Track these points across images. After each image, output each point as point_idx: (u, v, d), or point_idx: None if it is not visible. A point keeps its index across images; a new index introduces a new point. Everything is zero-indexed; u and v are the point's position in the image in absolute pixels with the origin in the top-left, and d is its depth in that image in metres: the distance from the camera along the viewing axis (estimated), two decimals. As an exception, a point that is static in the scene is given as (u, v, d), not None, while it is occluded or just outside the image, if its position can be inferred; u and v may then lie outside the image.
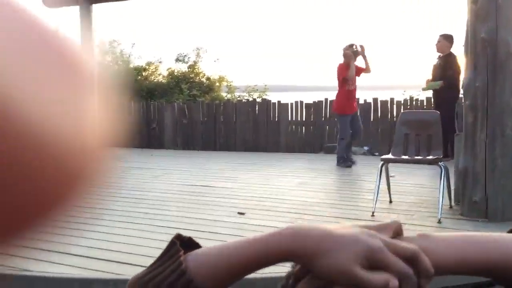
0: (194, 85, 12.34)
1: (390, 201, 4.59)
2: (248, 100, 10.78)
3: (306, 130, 9.08)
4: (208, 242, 2.59)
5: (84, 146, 0.27)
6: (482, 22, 3.84)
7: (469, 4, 3.93)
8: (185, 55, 13.34)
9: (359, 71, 6.77)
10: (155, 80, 13.03)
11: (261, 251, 0.52)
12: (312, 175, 6.23)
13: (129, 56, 13.52)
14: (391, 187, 4.64)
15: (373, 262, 0.48)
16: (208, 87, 12.65)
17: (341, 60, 6.67)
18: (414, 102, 8.40)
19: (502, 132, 3.83)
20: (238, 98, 11.81)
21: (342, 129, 6.73)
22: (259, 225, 3.92)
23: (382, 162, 4.40)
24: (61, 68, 0.27)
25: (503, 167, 3.85)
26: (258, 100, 10.15)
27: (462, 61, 5.00)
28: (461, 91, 5.67)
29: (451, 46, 6.99)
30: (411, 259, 0.50)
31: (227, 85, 12.90)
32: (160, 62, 13.45)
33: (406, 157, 4.49)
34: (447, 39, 7.00)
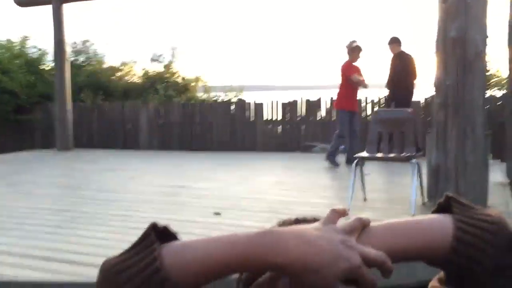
0: (170, 86, 12.24)
1: (365, 199, 4.64)
2: (224, 100, 10.75)
3: (282, 130, 9.11)
4: (180, 243, 2.49)
5: None
6: (452, 21, 3.91)
7: (440, 3, 4.00)
8: (160, 55, 13.23)
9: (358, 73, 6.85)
10: (130, 81, 12.88)
11: (240, 256, 0.52)
12: (288, 174, 6.25)
13: (103, 56, 13.35)
14: (365, 184, 4.69)
15: (351, 276, 0.53)
16: (184, 87, 12.56)
17: (335, 58, 6.80)
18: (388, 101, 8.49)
19: (472, 129, 3.91)
20: (214, 98, 11.77)
21: (341, 126, 6.72)
22: (234, 224, 3.91)
23: (356, 160, 4.44)
24: None
25: (474, 163, 3.92)
26: (234, 100, 10.13)
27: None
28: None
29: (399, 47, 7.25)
30: (379, 266, 0.54)
31: (203, 85, 12.84)
32: (134, 62, 13.31)
33: (380, 155, 4.54)
34: (395, 42, 7.28)
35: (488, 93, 7.96)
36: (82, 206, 4.71)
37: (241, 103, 9.47)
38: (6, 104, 10.44)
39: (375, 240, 0.55)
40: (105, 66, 12.89)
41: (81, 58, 13.12)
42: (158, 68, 13.05)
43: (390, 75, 7.30)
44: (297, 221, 0.66)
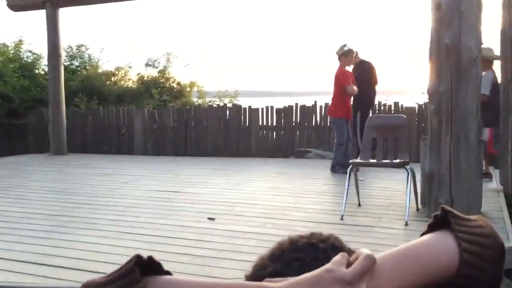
0: (165, 90, 12.24)
1: (359, 205, 4.64)
2: (218, 105, 10.76)
3: (277, 135, 9.12)
4: (176, 248, 2.58)
5: None
6: (445, 28, 3.92)
7: (433, 11, 4.02)
8: (155, 60, 13.25)
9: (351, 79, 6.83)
10: (124, 85, 12.86)
11: None
12: (282, 180, 6.24)
13: (98, 61, 13.34)
14: (360, 190, 4.69)
15: None
16: (179, 92, 12.56)
17: (330, 65, 6.73)
18: (382, 107, 8.54)
19: (466, 136, 3.92)
20: (209, 103, 11.77)
21: (339, 134, 6.57)
22: (228, 230, 3.90)
23: (350, 166, 4.45)
24: None
25: (467, 169, 3.93)
26: (229, 105, 10.13)
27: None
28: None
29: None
30: None
31: (198, 90, 12.85)
32: (129, 67, 13.31)
33: (374, 160, 4.55)
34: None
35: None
36: (74, 211, 4.68)
37: (236, 109, 9.47)
38: (-1, 108, 10.40)
39: (387, 284, 0.54)
40: (99, 70, 12.88)
41: (76, 63, 13.10)
42: (153, 73, 13.07)
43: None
44: (302, 238, 0.63)
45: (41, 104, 10.81)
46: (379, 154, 4.55)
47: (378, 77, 7.44)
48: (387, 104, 8.54)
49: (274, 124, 9.10)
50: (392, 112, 8.24)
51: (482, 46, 5.88)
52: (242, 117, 9.23)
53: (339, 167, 6.50)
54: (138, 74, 13.10)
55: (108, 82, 12.43)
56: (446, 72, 3.93)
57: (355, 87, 6.66)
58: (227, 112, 9.43)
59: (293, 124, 8.95)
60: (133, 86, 12.84)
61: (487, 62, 5.76)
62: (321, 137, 8.77)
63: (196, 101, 12.44)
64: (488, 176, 5.60)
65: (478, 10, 3.91)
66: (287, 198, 5.09)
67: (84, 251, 3.41)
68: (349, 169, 4.42)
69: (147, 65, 13.28)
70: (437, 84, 4.00)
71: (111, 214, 4.51)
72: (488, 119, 5.37)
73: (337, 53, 6.62)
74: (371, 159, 4.58)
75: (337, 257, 0.54)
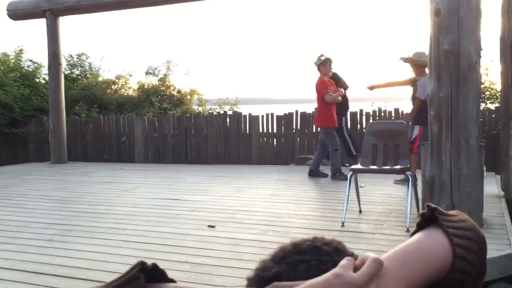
0: (165, 98, 12.25)
1: (360, 211, 4.62)
2: (219, 113, 10.76)
3: (277, 142, 9.11)
4: (176, 256, 2.56)
5: None
6: (445, 34, 3.93)
7: (432, 16, 4.03)
8: (155, 68, 13.26)
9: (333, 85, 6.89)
10: (125, 94, 12.87)
11: None
12: (283, 187, 6.23)
13: (98, 69, 13.37)
14: (360, 197, 4.68)
15: None
16: (179, 100, 12.57)
17: (315, 73, 6.78)
18: (382, 114, 8.54)
19: (467, 141, 3.91)
20: (209, 111, 11.77)
21: (332, 141, 6.66)
22: (229, 237, 3.88)
23: (351, 173, 4.43)
24: None
25: (468, 175, 3.92)
26: (229, 112, 10.13)
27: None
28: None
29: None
30: None
31: (198, 98, 12.85)
32: (130, 75, 13.33)
33: (375, 167, 4.54)
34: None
35: (482, 106, 8.01)
36: (75, 220, 4.67)
37: (236, 116, 9.48)
38: (0, 117, 10.40)
39: (395, 285, 0.55)
40: (100, 79, 12.90)
41: (76, 71, 13.13)
42: (153, 81, 13.08)
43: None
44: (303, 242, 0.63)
45: (41, 112, 10.83)
46: (379, 161, 4.54)
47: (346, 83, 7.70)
48: (387, 111, 8.54)
49: (275, 131, 9.10)
50: (393, 118, 8.24)
51: (416, 51, 6.03)
52: (243, 125, 9.23)
53: (339, 174, 6.54)
54: (138, 82, 13.12)
55: (108, 90, 12.44)
56: (445, 78, 3.93)
57: (336, 94, 6.79)
58: (228, 119, 9.43)
59: (293, 131, 8.95)
60: (133, 94, 12.85)
61: (421, 67, 5.86)
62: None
63: (197, 109, 12.44)
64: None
65: (477, 16, 3.92)
66: (288, 205, 5.07)
67: (84, 260, 3.39)
68: (349, 175, 4.40)
69: (147, 73, 13.29)
70: (437, 90, 3.99)
71: (111, 222, 4.50)
72: (420, 118, 5.65)
73: (315, 63, 6.74)
74: (372, 165, 4.56)
75: (344, 262, 0.54)
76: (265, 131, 9.14)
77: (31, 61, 12.36)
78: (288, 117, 9.02)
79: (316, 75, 6.81)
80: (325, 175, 6.80)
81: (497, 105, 7.97)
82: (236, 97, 12.49)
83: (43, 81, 11.87)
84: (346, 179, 6.53)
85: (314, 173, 6.85)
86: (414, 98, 6.07)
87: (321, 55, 6.73)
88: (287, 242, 0.63)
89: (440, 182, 3.99)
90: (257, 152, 9.13)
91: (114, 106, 11.70)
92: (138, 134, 9.84)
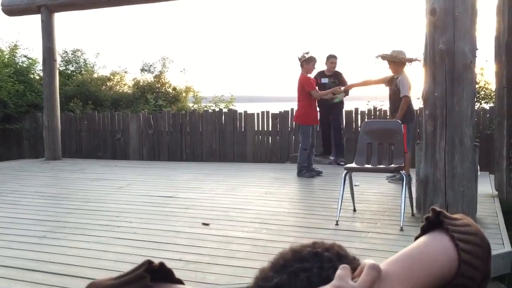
0: (160, 95, 12.21)
1: (354, 210, 4.62)
2: (214, 110, 10.73)
3: (272, 140, 9.10)
4: (169, 254, 2.55)
5: None
6: (440, 33, 3.92)
7: (427, 16, 4.02)
8: (151, 65, 13.21)
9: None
10: (120, 90, 12.82)
11: None
12: (277, 185, 6.22)
13: (93, 65, 13.30)
14: (355, 196, 4.67)
15: None
16: (175, 97, 12.53)
17: (299, 70, 6.77)
18: (377, 112, 8.54)
19: (461, 140, 3.91)
20: (205, 108, 11.74)
21: (305, 140, 6.72)
22: (222, 235, 3.87)
23: (345, 171, 4.43)
24: None
25: (462, 174, 3.92)
26: (225, 110, 10.11)
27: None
28: None
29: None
30: None
31: (193, 95, 12.81)
32: (125, 72, 13.27)
33: (369, 165, 4.53)
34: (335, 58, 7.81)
35: (477, 105, 8.03)
36: (67, 216, 4.64)
37: (232, 114, 9.46)
38: (-6, 113, 10.35)
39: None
40: (95, 75, 12.84)
41: (71, 67, 13.07)
42: (148, 78, 13.04)
43: None
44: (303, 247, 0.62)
45: (36, 109, 10.77)
46: (374, 159, 4.54)
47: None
48: (382, 110, 8.54)
49: (270, 129, 9.09)
50: (388, 117, 8.23)
51: (395, 49, 6.08)
52: (238, 122, 9.21)
53: (305, 171, 6.74)
54: (133, 79, 13.07)
55: (103, 87, 12.39)
56: (441, 77, 3.92)
57: (328, 91, 7.01)
58: (223, 117, 9.41)
59: (289, 129, 8.94)
60: (128, 91, 12.80)
61: (400, 65, 5.90)
62: (316, 142, 8.74)
63: (192, 106, 12.40)
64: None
65: (473, 15, 3.91)
66: (282, 203, 5.06)
67: (76, 257, 3.37)
68: (344, 174, 4.40)
69: (142, 70, 13.24)
70: (432, 89, 3.99)
71: (104, 219, 4.48)
72: (405, 117, 5.76)
73: (299, 58, 6.71)
74: (366, 164, 4.56)
75: (341, 272, 0.53)
76: (260, 129, 9.13)
77: (25, 57, 12.30)
78: (283, 115, 9.00)
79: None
80: (319, 173, 6.82)
81: (491, 105, 7.99)
82: (232, 94, 12.47)
83: (37, 77, 11.81)
84: (313, 176, 6.65)
85: (303, 173, 6.84)
86: (394, 96, 6.08)
87: (307, 52, 6.70)
88: (286, 247, 0.61)
89: (434, 181, 3.99)
90: (252, 150, 9.11)
91: (109, 103, 11.65)
92: (133, 131, 9.81)
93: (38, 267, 3.19)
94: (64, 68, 12.68)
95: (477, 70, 5.23)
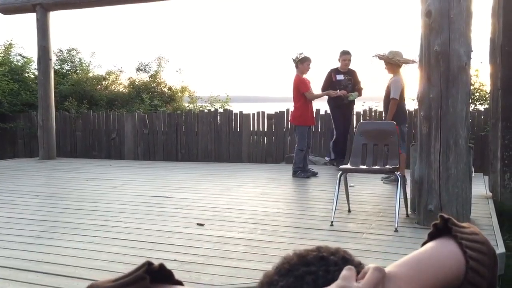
0: (156, 95, 12.18)
1: (349, 211, 4.63)
2: (210, 110, 10.72)
3: (267, 141, 9.10)
4: (164, 254, 2.54)
5: None
6: (435, 35, 3.94)
7: (423, 18, 4.04)
8: (146, 65, 13.18)
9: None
10: (115, 90, 12.79)
11: None
12: (272, 185, 6.22)
13: (89, 65, 13.26)
14: (350, 196, 4.68)
15: None
16: (170, 97, 12.51)
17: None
18: (373, 113, 8.56)
19: (456, 142, 3.93)
20: (200, 109, 11.73)
21: (301, 140, 6.74)
22: (217, 236, 3.87)
23: (340, 172, 4.43)
24: None
25: (456, 175, 3.94)
26: (220, 110, 10.10)
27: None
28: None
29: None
30: None
31: (189, 95, 12.79)
32: (120, 71, 13.24)
33: (364, 166, 4.54)
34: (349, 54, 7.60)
35: (471, 107, 8.06)
36: (62, 216, 4.62)
37: (227, 114, 9.45)
38: (-12, 112, 10.30)
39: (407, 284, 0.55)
40: (90, 75, 12.80)
41: (66, 67, 13.02)
42: (144, 77, 13.01)
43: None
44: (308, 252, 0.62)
45: (30, 108, 10.73)
46: (369, 160, 4.55)
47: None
48: (377, 111, 8.56)
49: (265, 129, 9.09)
50: (383, 118, 8.25)
51: (391, 50, 6.12)
52: (233, 123, 9.21)
53: (300, 172, 6.76)
54: (129, 79, 13.04)
55: (98, 86, 12.36)
56: (436, 79, 3.94)
57: (316, 93, 6.97)
58: (218, 117, 9.40)
59: (284, 129, 8.95)
60: (124, 90, 12.76)
61: (395, 67, 5.92)
62: (312, 143, 8.75)
63: (187, 106, 12.38)
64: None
65: (468, 17, 3.93)
66: (277, 204, 5.07)
67: (70, 257, 3.36)
68: (339, 175, 4.40)
69: (138, 69, 13.21)
70: (427, 91, 4.01)
71: (98, 219, 4.46)
72: (397, 118, 5.76)
73: (294, 60, 6.73)
74: (361, 165, 4.57)
75: (345, 273, 0.53)
76: (255, 129, 9.13)
77: (20, 55, 12.25)
78: (279, 115, 9.01)
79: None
80: (315, 173, 6.83)
81: (486, 106, 8.03)
82: (227, 94, 12.46)
83: (32, 76, 11.76)
84: (309, 177, 6.67)
85: (298, 173, 6.84)
86: (387, 98, 6.11)
87: (301, 53, 6.72)
88: (286, 249, 0.62)
89: (429, 182, 4.01)
90: (247, 150, 9.11)
91: (104, 102, 11.62)
92: (128, 130, 9.79)
93: (32, 267, 3.18)
94: (59, 67, 12.64)
95: (472, 71, 5.25)
